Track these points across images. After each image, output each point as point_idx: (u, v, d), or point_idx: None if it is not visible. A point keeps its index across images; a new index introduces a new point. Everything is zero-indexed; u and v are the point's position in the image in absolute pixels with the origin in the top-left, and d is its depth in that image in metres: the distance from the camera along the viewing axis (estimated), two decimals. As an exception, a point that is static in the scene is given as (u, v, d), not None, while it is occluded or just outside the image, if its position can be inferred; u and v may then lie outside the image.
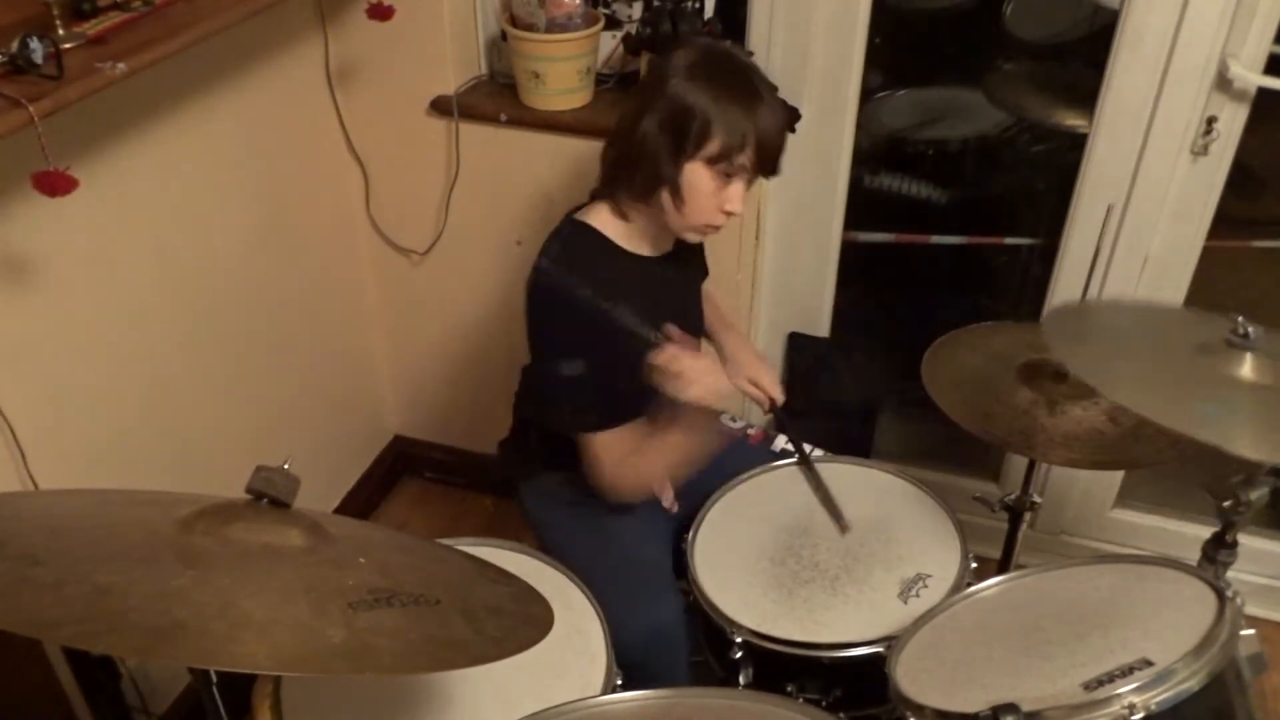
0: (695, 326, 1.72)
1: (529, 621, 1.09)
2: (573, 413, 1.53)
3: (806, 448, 1.76)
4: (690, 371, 1.41)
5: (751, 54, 1.96)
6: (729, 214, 1.49)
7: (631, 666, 1.41)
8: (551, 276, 1.50)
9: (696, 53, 1.48)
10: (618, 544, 1.62)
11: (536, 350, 1.55)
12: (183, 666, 1.06)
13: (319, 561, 1.01)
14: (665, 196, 1.47)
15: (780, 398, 1.73)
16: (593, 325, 1.46)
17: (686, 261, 1.67)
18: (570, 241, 1.55)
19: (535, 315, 1.53)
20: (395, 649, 0.93)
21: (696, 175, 1.45)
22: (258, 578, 0.95)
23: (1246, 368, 1.24)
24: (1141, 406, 1.21)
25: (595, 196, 1.58)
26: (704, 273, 1.78)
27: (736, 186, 1.47)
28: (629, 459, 1.53)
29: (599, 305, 1.46)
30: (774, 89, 1.51)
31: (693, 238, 1.56)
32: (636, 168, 1.48)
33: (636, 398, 1.50)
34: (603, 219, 1.55)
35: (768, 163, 1.47)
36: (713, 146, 1.42)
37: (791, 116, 1.47)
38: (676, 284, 1.66)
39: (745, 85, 1.45)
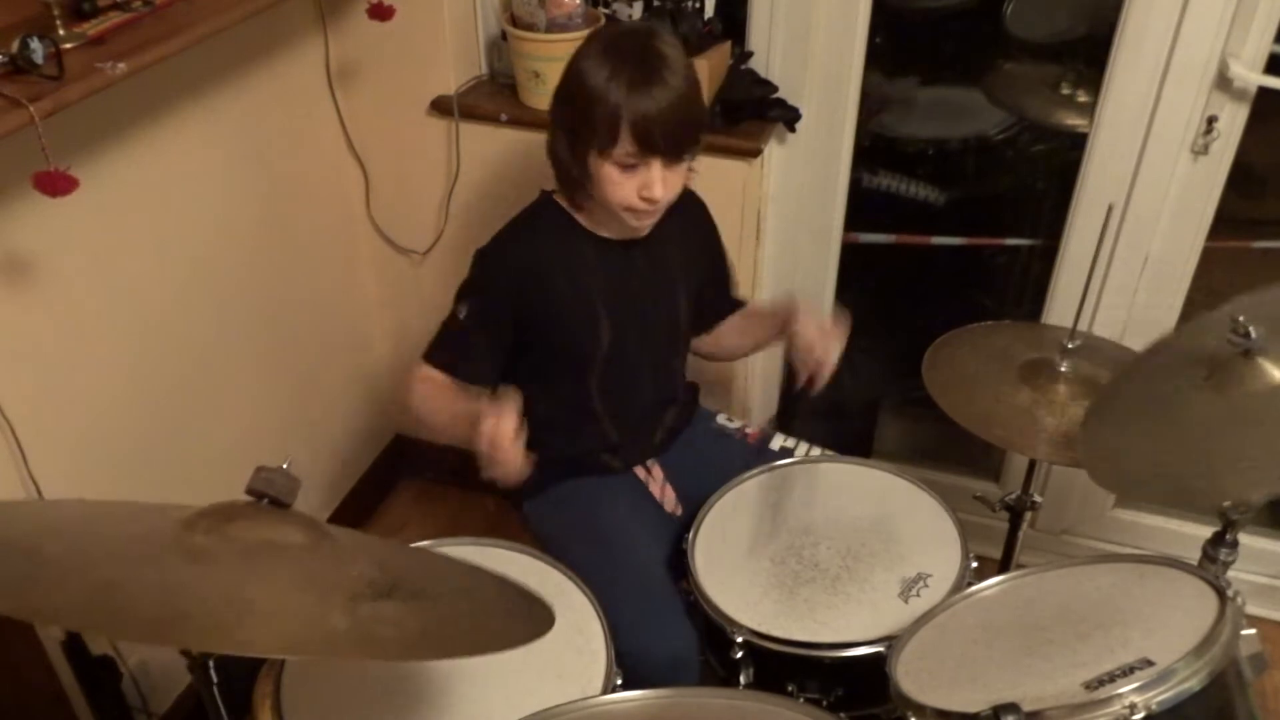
0: (667, 319, 1.68)
1: (530, 617, 1.09)
2: (431, 343, 1.61)
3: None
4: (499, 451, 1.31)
5: (752, 54, 1.96)
6: (650, 200, 1.45)
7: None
8: (502, 234, 1.60)
9: (600, 36, 1.47)
10: (626, 563, 1.58)
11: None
12: (184, 663, 1.07)
13: (320, 557, 1.01)
14: (586, 189, 1.50)
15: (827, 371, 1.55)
16: (512, 282, 1.55)
17: (664, 251, 1.62)
18: (534, 212, 1.61)
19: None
20: (398, 636, 0.94)
21: (598, 167, 1.45)
22: (260, 571, 0.95)
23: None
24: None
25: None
26: (699, 269, 1.72)
27: (650, 171, 1.43)
28: (431, 399, 1.59)
29: (530, 270, 1.54)
30: (674, 69, 1.41)
31: (629, 219, 1.51)
32: (556, 166, 1.53)
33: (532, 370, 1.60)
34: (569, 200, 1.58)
35: (649, 145, 1.40)
36: (597, 138, 1.41)
37: (694, 95, 1.45)
38: (645, 272, 1.62)
39: (634, 68, 1.39)
